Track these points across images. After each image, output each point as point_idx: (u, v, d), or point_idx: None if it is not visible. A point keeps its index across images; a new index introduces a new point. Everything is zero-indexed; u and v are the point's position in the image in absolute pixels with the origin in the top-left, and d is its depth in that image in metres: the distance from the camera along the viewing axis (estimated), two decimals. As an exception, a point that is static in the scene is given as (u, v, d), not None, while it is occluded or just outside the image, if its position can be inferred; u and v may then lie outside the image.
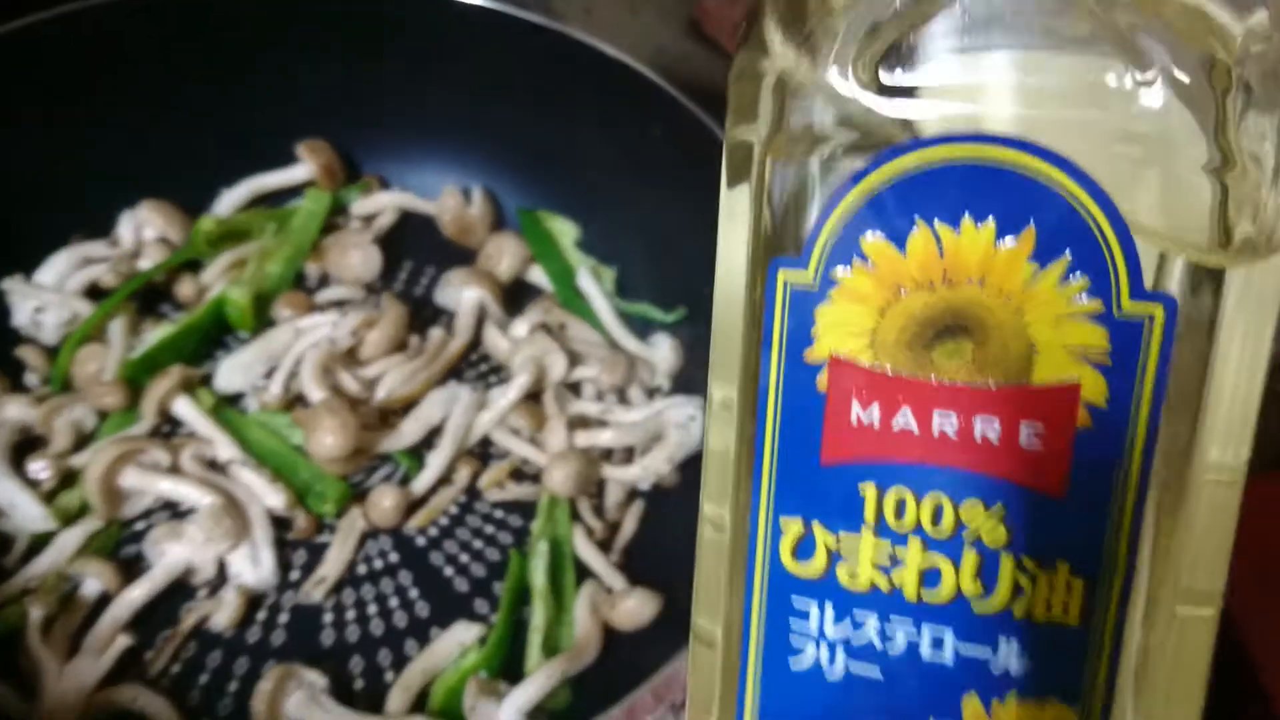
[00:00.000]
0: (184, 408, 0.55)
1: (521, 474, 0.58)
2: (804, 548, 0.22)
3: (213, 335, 0.61)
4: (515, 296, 0.65)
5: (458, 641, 0.51)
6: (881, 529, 0.21)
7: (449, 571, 0.54)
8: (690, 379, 0.62)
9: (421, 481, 0.56)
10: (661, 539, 0.57)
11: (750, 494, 0.23)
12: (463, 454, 0.58)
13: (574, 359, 0.62)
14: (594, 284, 0.64)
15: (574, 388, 0.62)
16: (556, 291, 0.65)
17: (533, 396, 0.60)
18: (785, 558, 0.22)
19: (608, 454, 0.59)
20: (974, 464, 0.20)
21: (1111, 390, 0.20)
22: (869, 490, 0.21)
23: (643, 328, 0.64)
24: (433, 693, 0.49)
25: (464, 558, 0.55)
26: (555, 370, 0.60)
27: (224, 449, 0.54)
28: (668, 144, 0.62)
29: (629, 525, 0.57)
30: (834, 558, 0.22)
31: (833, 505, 0.21)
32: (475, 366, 0.63)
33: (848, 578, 0.21)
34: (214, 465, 0.55)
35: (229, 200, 0.66)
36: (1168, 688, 0.20)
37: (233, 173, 0.67)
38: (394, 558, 0.54)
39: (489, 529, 0.56)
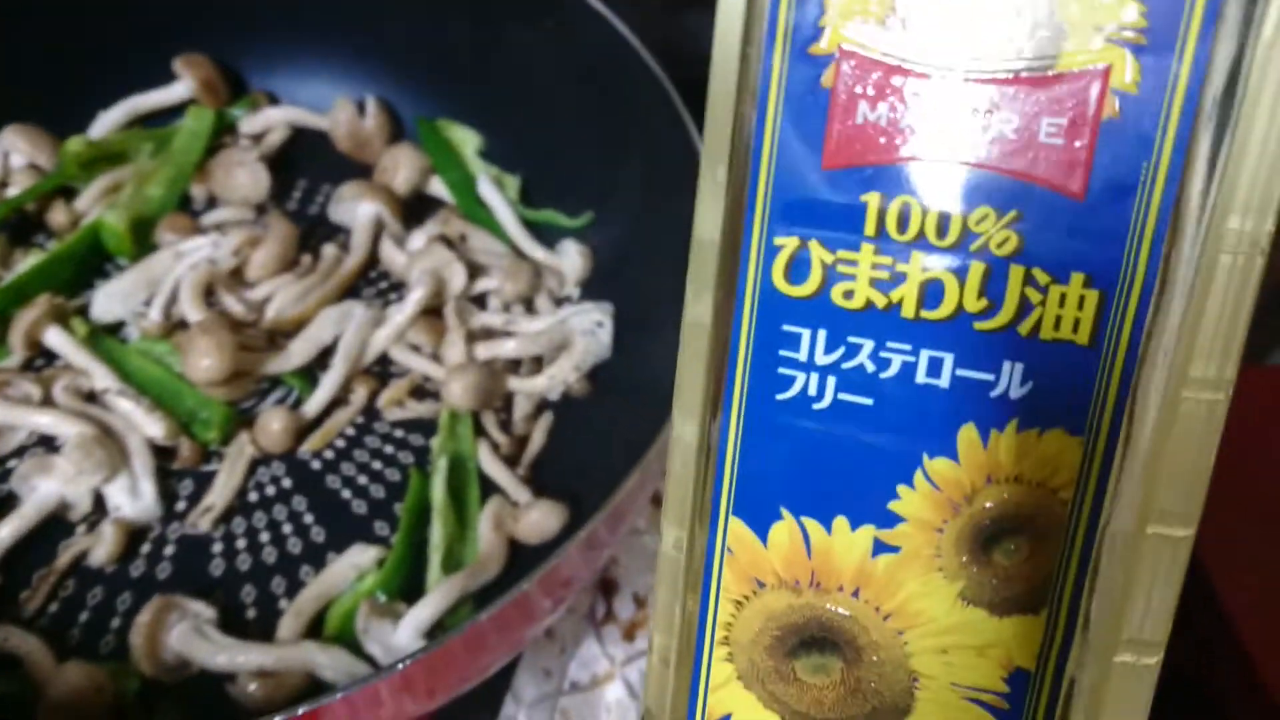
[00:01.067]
0: (55, 338, 0.52)
1: (424, 391, 0.56)
2: (798, 267, 0.20)
3: (90, 263, 0.58)
4: (417, 210, 0.62)
5: (353, 564, 0.48)
6: (883, 241, 0.19)
7: (346, 494, 0.52)
8: (601, 286, 0.60)
9: (313, 403, 0.53)
10: (572, 450, 0.55)
11: (736, 276, 0.21)
12: (359, 373, 0.55)
13: (477, 270, 0.59)
14: (496, 192, 0.61)
15: (480, 301, 0.59)
16: (457, 202, 0.62)
17: (434, 311, 0.57)
18: (777, 280, 0.20)
19: (516, 366, 0.56)
20: (987, 162, 0.18)
21: (1144, 75, 0.17)
22: (872, 198, 0.19)
23: (551, 236, 0.61)
24: (328, 618, 0.47)
25: (362, 479, 0.52)
26: (455, 282, 0.57)
27: (99, 378, 0.51)
28: (566, 43, 0.58)
29: (537, 438, 0.54)
30: (830, 276, 0.19)
31: (832, 217, 0.19)
32: (375, 284, 0.60)
33: (843, 298, 0.19)
34: (92, 397, 0.52)
35: (104, 123, 0.62)
36: (1173, 458, 0.18)
37: (108, 94, 0.63)
38: (287, 483, 0.52)
39: (389, 449, 0.53)
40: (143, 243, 0.58)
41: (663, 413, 0.50)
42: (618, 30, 0.56)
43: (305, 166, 0.64)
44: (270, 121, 0.64)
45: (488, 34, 0.61)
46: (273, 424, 0.51)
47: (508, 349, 0.55)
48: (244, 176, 0.61)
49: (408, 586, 0.48)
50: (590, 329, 0.56)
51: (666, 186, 0.55)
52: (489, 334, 0.57)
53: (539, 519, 0.49)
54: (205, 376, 0.49)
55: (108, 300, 0.55)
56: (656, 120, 0.54)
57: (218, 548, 0.49)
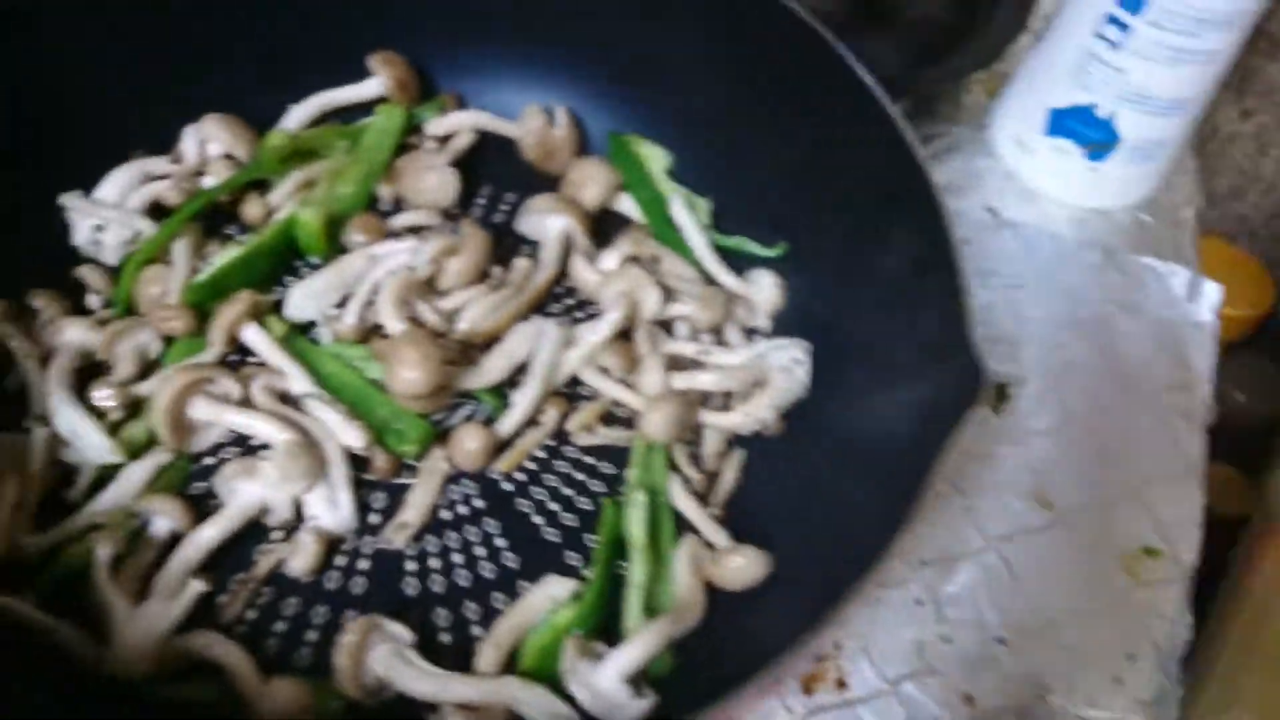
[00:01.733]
0: (254, 336, 0.51)
1: (612, 417, 0.54)
2: None
3: (283, 260, 0.57)
4: (601, 227, 0.60)
5: (549, 596, 0.47)
6: None
7: (538, 520, 0.50)
8: (792, 319, 0.57)
9: (508, 422, 0.52)
10: (762, 490, 0.53)
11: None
12: (550, 394, 0.53)
13: (667, 295, 0.57)
14: (688, 214, 0.59)
15: (664, 326, 0.57)
16: (649, 222, 0.60)
17: (623, 334, 0.55)
18: None
19: (704, 399, 0.55)
20: None
21: None
22: None
23: (739, 264, 0.59)
24: (523, 651, 0.46)
25: (553, 506, 0.51)
26: (648, 306, 0.55)
27: (297, 382, 0.50)
28: (777, 61, 0.56)
29: (729, 475, 0.53)
30: None
31: None
32: (560, 300, 0.58)
33: None
34: (286, 399, 0.51)
35: (297, 116, 0.61)
36: None
37: (301, 87, 0.62)
38: (479, 503, 0.51)
39: (579, 475, 0.52)
40: (332, 241, 0.57)
41: (862, 463, 0.48)
42: (831, 49, 0.53)
43: (487, 173, 0.63)
44: (458, 125, 0.63)
45: (688, 50, 0.60)
46: (469, 442, 0.50)
47: (704, 382, 0.53)
48: (433, 180, 0.60)
49: (603, 623, 0.47)
50: (788, 366, 0.54)
51: (877, 215, 0.53)
52: (679, 363, 0.55)
53: (742, 566, 0.47)
54: (409, 389, 0.48)
55: (302, 299, 0.54)
56: (869, 144, 0.52)
57: (411, 566, 0.48)
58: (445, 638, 0.46)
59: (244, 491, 0.47)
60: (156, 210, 0.56)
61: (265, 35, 0.60)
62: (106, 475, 0.47)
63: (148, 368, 0.52)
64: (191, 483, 0.49)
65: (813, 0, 0.55)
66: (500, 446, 0.52)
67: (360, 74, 0.62)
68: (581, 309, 0.58)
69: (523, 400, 0.52)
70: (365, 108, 0.62)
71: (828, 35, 0.53)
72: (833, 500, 0.49)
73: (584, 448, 0.53)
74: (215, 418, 0.48)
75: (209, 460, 0.50)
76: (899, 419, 0.47)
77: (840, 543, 0.46)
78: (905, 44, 0.77)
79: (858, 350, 0.53)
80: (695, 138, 0.62)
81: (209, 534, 0.45)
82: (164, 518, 0.46)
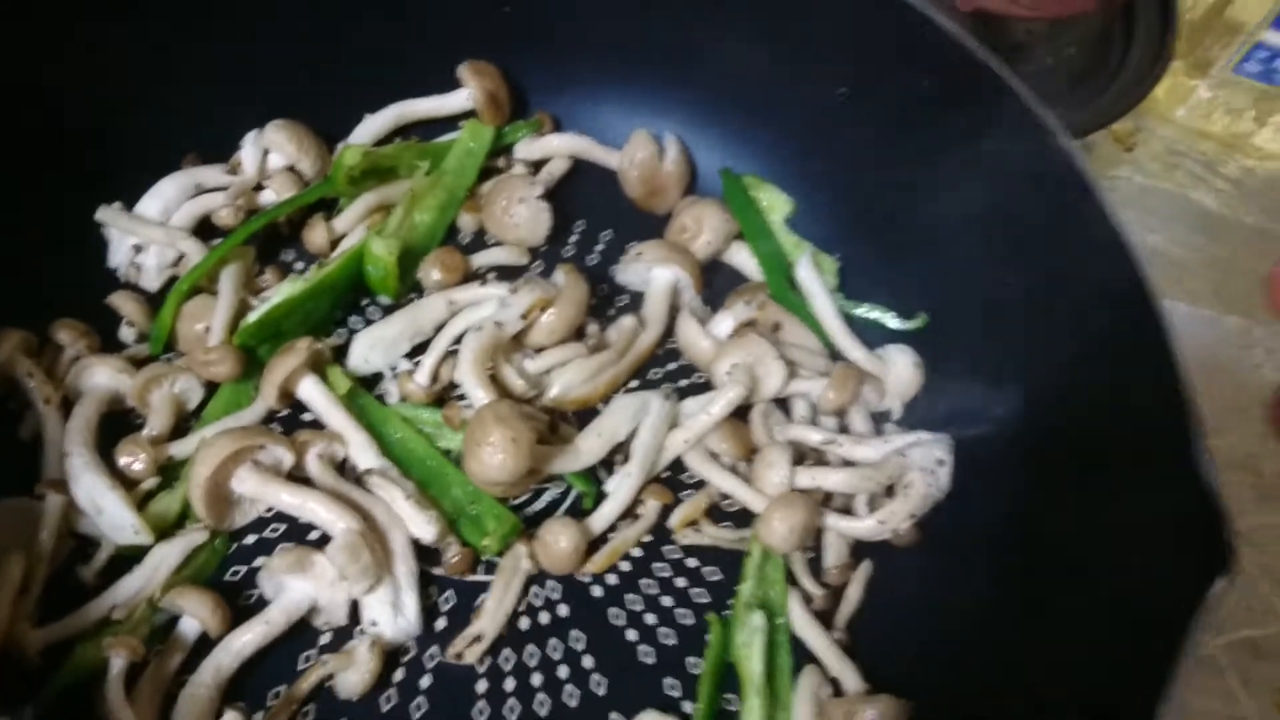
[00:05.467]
0: (312, 392, 0.44)
1: (719, 512, 0.46)
2: None
3: (346, 297, 0.49)
4: (707, 281, 0.52)
5: (647, 738, 0.39)
6: None
7: (632, 635, 0.43)
8: (927, 406, 0.49)
9: (604, 515, 0.44)
10: (889, 611, 0.45)
11: None
12: (650, 481, 0.46)
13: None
14: (817, 276, 0.51)
15: (779, 403, 0.49)
16: (767, 281, 0.52)
17: (736, 412, 0.47)
18: None
19: (826, 498, 0.47)
20: None
21: None
22: None
23: (867, 336, 0.51)
24: (614, 805, 0.38)
25: (650, 618, 0.43)
26: (769, 383, 0.48)
27: (360, 453, 0.43)
28: (940, 100, 0.47)
29: (854, 592, 0.45)
30: None
31: None
32: (661, 364, 0.50)
33: None
34: (342, 467, 0.44)
35: (371, 127, 0.53)
36: None
37: (378, 94, 0.54)
38: (563, 610, 0.43)
39: (680, 581, 0.44)
40: (405, 277, 0.49)
41: (1037, 593, 0.39)
42: (1021, 99, 0.45)
43: (580, 207, 0.55)
44: (553, 149, 0.55)
45: (829, 81, 0.51)
46: (560, 540, 0.42)
47: (834, 482, 0.45)
48: (524, 214, 0.52)
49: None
50: (930, 467, 0.46)
51: (1050, 278, 0.44)
52: (798, 451, 0.47)
53: None
54: (496, 475, 0.40)
55: (368, 349, 0.47)
56: (1045, 209, 0.44)
57: (482, 686, 0.40)
58: (520, 781, 0.39)
59: (294, 589, 0.39)
60: (205, 229, 0.49)
61: (342, 30, 0.52)
62: (129, 555, 0.40)
63: (185, 418, 0.44)
64: (229, 567, 0.41)
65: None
66: (593, 544, 0.44)
67: (446, 84, 0.54)
68: (685, 376, 0.50)
69: (624, 489, 0.44)
70: (448, 123, 0.55)
71: (1003, 72, 0.45)
72: (992, 639, 0.41)
73: (686, 548, 0.45)
74: (264, 495, 0.41)
75: (250, 537, 0.42)
76: (1089, 538, 0.39)
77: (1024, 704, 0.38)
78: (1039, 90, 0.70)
79: (992, 439, 0.45)
80: (823, 183, 0.54)
81: (247, 640, 0.38)
82: (194, 618, 0.38)
